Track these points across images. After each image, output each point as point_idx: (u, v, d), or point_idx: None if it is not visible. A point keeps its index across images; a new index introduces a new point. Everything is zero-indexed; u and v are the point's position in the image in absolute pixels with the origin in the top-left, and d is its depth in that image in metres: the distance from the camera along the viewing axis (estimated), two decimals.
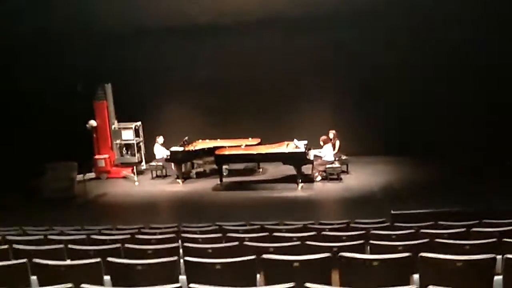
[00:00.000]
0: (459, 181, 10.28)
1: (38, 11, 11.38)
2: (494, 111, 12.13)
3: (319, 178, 11.53)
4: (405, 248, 4.25)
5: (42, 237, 5.95)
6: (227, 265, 3.85)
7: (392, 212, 6.53)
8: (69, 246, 5.01)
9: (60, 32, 12.45)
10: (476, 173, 10.53)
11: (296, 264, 3.78)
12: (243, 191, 11.32)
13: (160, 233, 6.27)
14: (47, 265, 4.04)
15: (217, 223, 6.97)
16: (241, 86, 13.95)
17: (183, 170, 12.39)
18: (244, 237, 5.39)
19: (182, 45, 14.01)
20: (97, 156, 13.21)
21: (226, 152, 11.49)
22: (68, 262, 4.53)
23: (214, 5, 12.49)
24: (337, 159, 11.57)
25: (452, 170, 11.23)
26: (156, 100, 14.21)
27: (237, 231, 6.10)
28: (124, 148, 13.28)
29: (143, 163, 13.49)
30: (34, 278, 4.10)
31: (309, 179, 11.44)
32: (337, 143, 11.95)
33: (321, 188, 11.03)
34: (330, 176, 11.38)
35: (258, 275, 3.97)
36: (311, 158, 11.19)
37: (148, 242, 5.53)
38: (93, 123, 13.14)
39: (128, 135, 13.14)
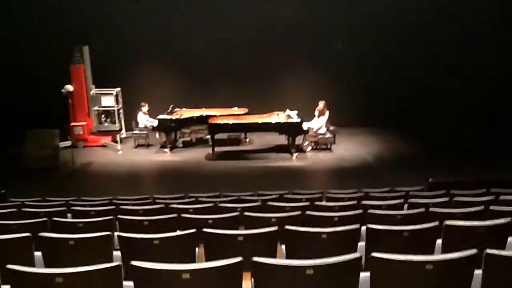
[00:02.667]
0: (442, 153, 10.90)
1: None
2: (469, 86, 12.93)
3: (309, 148, 11.73)
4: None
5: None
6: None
7: (430, 180, 6.82)
8: None
9: None
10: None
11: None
12: (237, 160, 11.24)
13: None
14: None
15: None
16: (224, 53, 13.68)
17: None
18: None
19: (163, 8, 13.37)
20: (73, 123, 12.39)
21: (220, 121, 11.29)
22: None
23: None
24: (328, 129, 11.80)
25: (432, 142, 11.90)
26: (134, 66, 13.50)
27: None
28: (102, 115, 12.60)
29: (123, 131, 12.91)
30: None
31: (299, 149, 11.59)
32: (327, 113, 12.13)
33: (315, 158, 11.22)
34: (321, 146, 11.63)
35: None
36: (305, 128, 11.32)
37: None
38: (69, 87, 12.28)
39: (108, 102, 12.48)
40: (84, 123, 12.41)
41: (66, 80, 12.40)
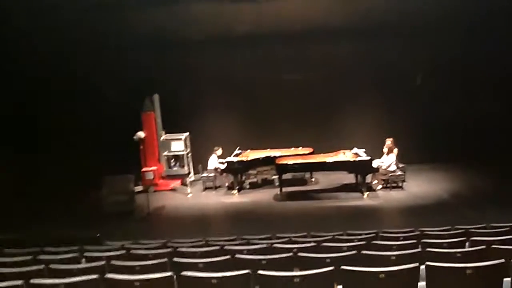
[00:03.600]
0: None
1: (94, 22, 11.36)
2: None
3: (379, 186, 11.47)
4: None
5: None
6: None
7: None
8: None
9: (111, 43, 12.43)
10: None
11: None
12: (306, 200, 11.16)
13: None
14: None
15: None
16: (287, 93, 13.95)
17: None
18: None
19: (222, 55, 13.89)
20: (145, 169, 12.83)
21: (288, 161, 11.33)
22: None
23: (252, 16, 12.50)
24: (398, 167, 11.53)
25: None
26: (200, 111, 13.99)
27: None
28: (172, 160, 13.01)
29: (191, 174, 13.21)
30: None
31: (369, 188, 11.35)
32: (395, 150, 11.90)
33: (387, 196, 10.94)
34: (392, 184, 11.34)
35: None
36: (375, 166, 11.12)
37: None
38: (141, 134, 12.82)
39: (177, 146, 12.91)
40: (154, 168, 12.81)
41: (137, 127, 12.97)
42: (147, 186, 12.69)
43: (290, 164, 11.24)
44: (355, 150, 11.65)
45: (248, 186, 12.50)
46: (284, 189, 11.71)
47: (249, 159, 12.09)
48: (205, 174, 12.62)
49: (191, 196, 12.13)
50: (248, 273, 3.78)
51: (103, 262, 4.88)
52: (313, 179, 12.74)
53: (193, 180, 13.23)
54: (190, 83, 13.80)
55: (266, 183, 12.68)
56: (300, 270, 4.33)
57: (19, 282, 3.98)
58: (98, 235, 7.03)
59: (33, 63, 12.10)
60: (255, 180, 12.79)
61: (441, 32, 12.69)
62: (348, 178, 11.96)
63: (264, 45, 13.44)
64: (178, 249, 5.85)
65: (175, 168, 12.93)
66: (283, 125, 14.04)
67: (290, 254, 4.91)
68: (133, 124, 12.87)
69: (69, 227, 9.03)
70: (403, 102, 13.58)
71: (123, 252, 5.88)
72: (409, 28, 12.38)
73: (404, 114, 13.56)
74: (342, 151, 11.88)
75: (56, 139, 13.15)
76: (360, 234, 6.51)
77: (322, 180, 12.69)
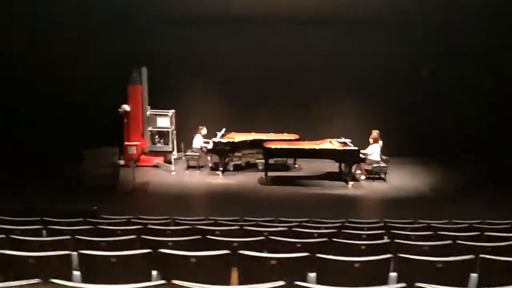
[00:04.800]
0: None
1: None
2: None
3: (363, 177, 11.69)
4: None
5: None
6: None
7: None
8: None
9: (99, 17, 12.09)
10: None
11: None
12: (291, 186, 11.23)
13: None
14: None
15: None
16: (272, 80, 13.98)
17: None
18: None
19: (214, 35, 13.73)
20: (128, 143, 12.58)
21: (277, 146, 11.34)
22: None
23: None
24: (382, 159, 11.76)
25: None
26: (186, 90, 13.90)
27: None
28: (156, 136, 12.79)
29: (175, 152, 13.05)
30: None
31: (353, 178, 11.53)
32: (380, 142, 12.11)
33: (371, 187, 11.17)
34: (375, 175, 11.58)
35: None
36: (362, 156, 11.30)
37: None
38: (126, 107, 12.51)
39: (163, 123, 12.71)
40: (138, 142, 12.58)
41: (122, 101, 12.65)
42: (129, 160, 12.50)
43: (278, 149, 11.25)
44: (342, 139, 11.78)
45: (232, 168, 12.46)
46: (268, 174, 11.79)
47: (236, 141, 12.03)
48: (189, 153, 12.49)
49: (174, 174, 11.99)
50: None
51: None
52: (296, 166, 12.85)
53: (176, 158, 13.07)
54: (177, 60, 13.54)
55: (249, 166, 12.70)
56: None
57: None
58: (95, 207, 6.85)
59: (20, 38, 11.76)
60: (239, 162, 12.75)
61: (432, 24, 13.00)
62: (331, 166, 12.15)
63: (257, 28, 13.35)
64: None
65: (158, 145, 12.72)
66: (267, 110, 14.11)
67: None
68: (119, 98, 12.59)
69: (49, 200, 8.76)
70: (389, 94, 13.83)
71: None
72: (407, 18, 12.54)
73: (385, 106, 13.85)
74: (328, 139, 12.00)
75: (42, 113, 12.84)
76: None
77: (305, 167, 12.82)
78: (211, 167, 12.40)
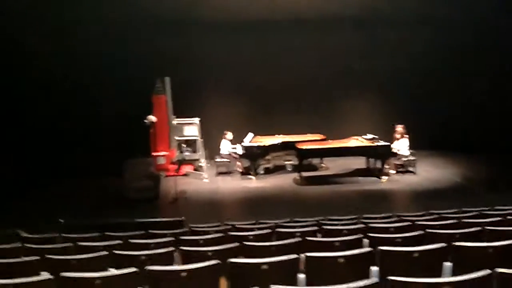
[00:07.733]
0: None
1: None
2: None
3: (393, 171, 11.97)
4: None
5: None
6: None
7: None
8: None
9: (120, 27, 12.21)
10: None
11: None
12: (328, 185, 11.40)
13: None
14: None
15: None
16: (293, 84, 14.20)
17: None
18: None
19: (236, 42, 13.90)
20: (156, 153, 12.51)
21: (310, 146, 11.51)
22: None
23: (271, 3, 12.66)
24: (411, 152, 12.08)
25: None
26: (209, 97, 13.93)
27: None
28: (184, 145, 12.78)
29: (203, 159, 13.07)
30: None
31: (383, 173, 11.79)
32: (407, 136, 12.45)
33: (404, 180, 11.44)
34: (406, 169, 11.89)
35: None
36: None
37: None
38: (152, 118, 12.45)
39: (191, 131, 12.72)
40: (166, 153, 12.54)
41: (147, 111, 12.58)
42: (158, 170, 12.43)
43: (312, 149, 11.44)
44: (369, 136, 12.05)
45: (262, 171, 12.57)
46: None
47: (267, 144, 12.14)
48: (218, 159, 12.53)
49: (207, 181, 12.00)
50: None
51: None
52: (323, 165, 13.05)
53: (204, 165, 13.06)
54: (196, 68, 13.57)
55: (279, 169, 12.83)
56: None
57: None
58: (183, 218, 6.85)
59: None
60: (268, 165, 12.87)
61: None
62: (357, 163, 12.42)
63: (278, 32, 13.55)
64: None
65: (186, 153, 12.70)
66: (285, 112, 14.29)
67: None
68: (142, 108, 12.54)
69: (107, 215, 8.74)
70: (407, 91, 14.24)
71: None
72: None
73: (407, 101, 14.21)
74: (353, 137, 12.25)
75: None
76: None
77: (331, 165, 13.01)
78: (241, 172, 12.47)
